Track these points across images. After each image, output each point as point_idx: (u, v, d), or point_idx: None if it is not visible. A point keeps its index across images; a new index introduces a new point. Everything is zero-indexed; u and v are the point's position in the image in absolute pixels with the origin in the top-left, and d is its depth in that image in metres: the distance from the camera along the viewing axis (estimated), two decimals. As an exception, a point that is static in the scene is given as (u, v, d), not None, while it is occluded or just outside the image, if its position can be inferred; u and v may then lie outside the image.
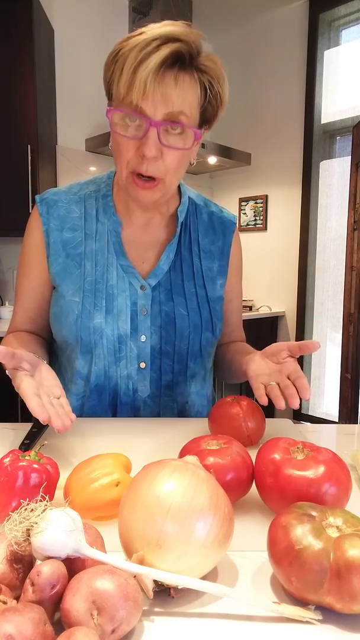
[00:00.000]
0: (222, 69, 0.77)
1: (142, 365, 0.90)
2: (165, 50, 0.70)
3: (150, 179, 0.78)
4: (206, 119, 0.81)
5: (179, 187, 0.96)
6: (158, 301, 0.90)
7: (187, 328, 0.90)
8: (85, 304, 0.87)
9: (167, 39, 0.71)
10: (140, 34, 0.72)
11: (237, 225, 1.02)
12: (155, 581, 0.40)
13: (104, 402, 0.91)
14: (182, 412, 0.95)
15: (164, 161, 0.77)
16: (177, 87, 0.72)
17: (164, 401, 0.93)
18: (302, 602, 0.40)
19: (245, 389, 3.19)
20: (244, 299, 3.44)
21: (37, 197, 0.92)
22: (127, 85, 0.72)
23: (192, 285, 0.93)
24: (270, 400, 0.71)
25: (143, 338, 0.89)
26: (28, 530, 0.39)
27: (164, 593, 0.41)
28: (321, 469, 0.50)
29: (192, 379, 0.95)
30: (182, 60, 0.72)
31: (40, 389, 0.68)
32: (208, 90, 0.77)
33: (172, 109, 0.73)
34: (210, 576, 0.45)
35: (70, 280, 0.88)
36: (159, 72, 0.70)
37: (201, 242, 0.95)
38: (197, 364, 0.94)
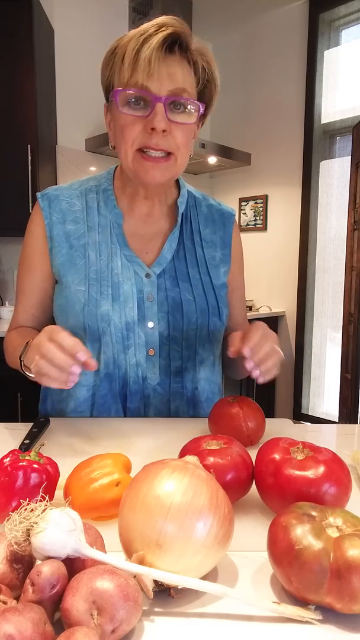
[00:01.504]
0: (212, 55, 0.83)
1: (151, 352, 0.91)
2: (164, 32, 0.75)
3: (162, 154, 0.80)
4: (204, 104, 0.85)
5: (177, 180, 0.98)
6: (164, 288, 0.91)
7: (195, 313, 0.91)
8: (91, 292, 0.88)
9: (162, 25, 0.76)
10: (136, 29, 0.78)
11: (237, 220, 1.04)
12: (155, 581, 0.40)
13: (114, 391, 0.91)
14: (192, 398, 0.95)
15: (173, 137, 0.80)
16: (179, 67, 0.78)
17: (174, 388, 0.93)
18: (302, 602, 0.40)
19: (245, 389, 3.19)
20: (244, 299, 3.44)
21: (38, 193, 0.94)
22: (131, 67, 0.76)
23: (196, 272, 0.94)
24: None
25: (150, 324, 0.90)
26: (28, 530, 0.39)
27: (164, 593, 0.41)
28: (321, 469, 0.50)
29: (201, 364, 0.95)
30: (180, 43, 0.77)
31: None
32: (205, 71, 0.82)
33: (176, 86, 0.77)
34: (210, 576, 0.45)
35: (74, 270, 0.89)
36: (162, 51, 0.75)
37: (202, 232, 0.97)
38: (205, 349, 0.95)
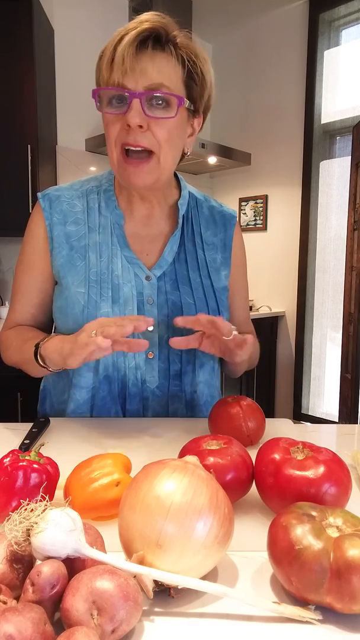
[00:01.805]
0: (199, 47, 0.81)
1: (150, 355, 0.90)
2: (141, 27, 0.75)
3: (142, 154, 0.79)
4: (193, 99, 0.83)
5: (178, 181, 0.97)
6: (164, 291, 0.91)
7: None
8: (91, 294, 0.87)
9: (143, 21, 0.76)
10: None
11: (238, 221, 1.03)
12: (155, 581, 0.40)
13: (113, 393, 0.91)
14: (191, 401, 0.95)
15: (153, 134, 0.78)
16: (155, 62, 0.76)
17: (172, 390, 0.93)
18: (302, 602, 0.40)
19: (245, 389, 3.19)
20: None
21: (38, 193, 0.93)
22: (109, 65, 0.76)
23: (197, 275, 0.93)
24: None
25: (150, 327, 0.89)
26: (28, 530, 0.39)
27: (164, 593, 0.41)
28: (321, 469, 0.50)
29: (200, 368, 0.95)
30: (158, 37, 0.76)
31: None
32: (188, 66, 0.80)
33: (152, 81, 0.76)
34: (210, 576, 0.45)
35: (74, 272, 0.89)
36: (136, 46, 0.75)
37: (204, 234, 0.96)
38: (205, 353, 0.93)
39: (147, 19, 0.76)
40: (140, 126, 0.76)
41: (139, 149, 0.79)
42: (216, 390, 1.00)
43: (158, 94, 0.77)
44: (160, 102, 0.77)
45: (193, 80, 0.82)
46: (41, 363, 0.81)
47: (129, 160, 0.80)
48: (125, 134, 0.78)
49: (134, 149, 0.79)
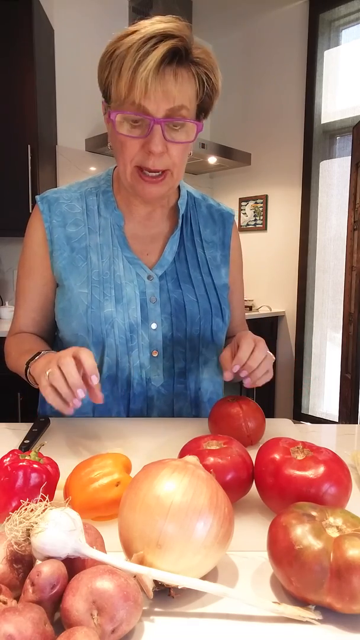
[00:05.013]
0: (215, 60, 0.80)
1: (155, 353, 0.90)
2: (162, 49, 0.72)
3: (158, 174, 0.80)
4: (203, 108, 0.84)
5: None
6: (166, 289, 0.91)
7: (198, 314, 0.91)
8: (94, 295, 0.87)
9: (162, 37, 0.73)
10: (133, 32, 0.74)
11: (237, 221, 1.03)
12: (155, 581, 0.40)
13: (117, 393, 0.91)
14: (195, 399, 0.95)
15: (169, 156, 0.79)
16: (177, 83, 0.74)
17: (177, 388, 0.93)
18: (302, 602, 0.40)
19: (245, 389, 3.19)
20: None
21: (37, 196, 0.93)
22: (127, 87, 0.73)
23: (198, 273, 0.94)
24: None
25: (154, 326, 0.90)
26: (28, 530, 0.39)
27: (164, 593, 0.41)
28: (321, 469, 0.50)
29: (204, 365, 0.95)
30: (179, 55, 0.74)
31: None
32: (205, 83, 0.79)
33: (173, 104, 0.75)
34: (210, 576, 0.45)
35: (77, 273, 0.89)
36: (159, 71, 0.72)
37: (203, 233, 0.97)
38: (209, 350, 0.94)
39: (167, 31, 0.72)
40: (161, 152, 0.77)
41: (155, 172, 0.79)
42: (220, 387, 1.01)
43: (180, 120, 0.76)
44: (178, 125, 0.77)
45: (208, 95, 0.81)
46: (33, 384, 0.80)
47: (146, 178, 0.80)
48: (144, 157, 0.77)
49: (150, 172, 0.79)
